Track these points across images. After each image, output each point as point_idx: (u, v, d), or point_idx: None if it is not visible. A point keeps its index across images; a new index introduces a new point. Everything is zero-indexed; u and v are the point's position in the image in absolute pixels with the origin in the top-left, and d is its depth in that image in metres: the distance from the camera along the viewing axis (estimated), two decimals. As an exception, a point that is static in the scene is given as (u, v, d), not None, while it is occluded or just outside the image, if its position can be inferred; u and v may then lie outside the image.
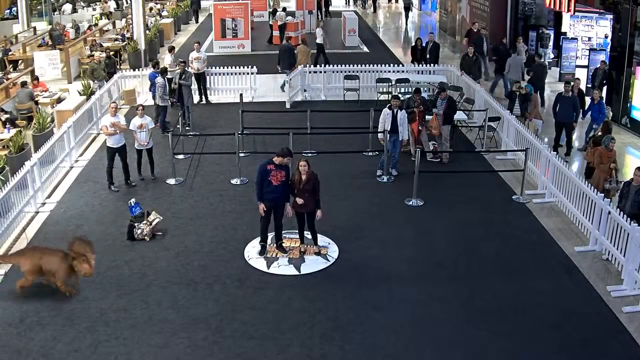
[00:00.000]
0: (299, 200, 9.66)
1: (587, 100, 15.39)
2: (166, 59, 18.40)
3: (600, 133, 12.59)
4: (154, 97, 15.81)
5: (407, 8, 33.99)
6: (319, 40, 22.55)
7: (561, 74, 20.33)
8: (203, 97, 18.44)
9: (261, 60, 22.09)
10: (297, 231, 10.16)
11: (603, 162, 11.26)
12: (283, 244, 10.11)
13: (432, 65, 19.72)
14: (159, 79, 15.61)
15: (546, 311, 8.64)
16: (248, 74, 18.82)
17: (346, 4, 42.01)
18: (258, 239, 10.21)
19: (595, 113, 14.05)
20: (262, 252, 10.03)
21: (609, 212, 9.78)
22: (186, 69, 16.49)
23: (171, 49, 18.59)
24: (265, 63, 21.22)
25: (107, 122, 12.29)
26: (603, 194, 10.35)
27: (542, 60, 20.00)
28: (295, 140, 12.85)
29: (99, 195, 12.31)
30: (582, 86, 16.32)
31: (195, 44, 18.76)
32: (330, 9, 36.75)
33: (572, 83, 14.72)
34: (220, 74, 18.85)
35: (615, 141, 11.46)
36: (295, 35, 27.33)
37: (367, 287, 9.20)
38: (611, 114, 14.88)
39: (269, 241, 10.14)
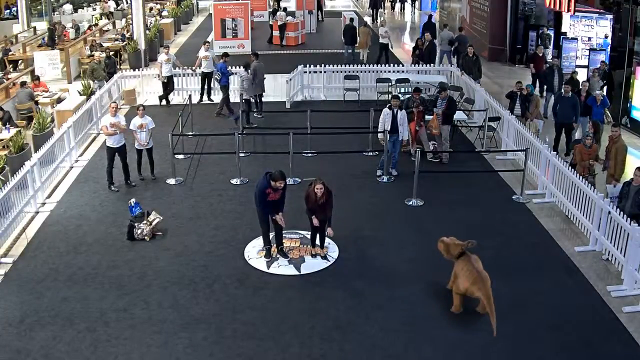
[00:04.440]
0: (315, 221, 9.65)
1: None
2: (160, 57, 18.37)
3: (592, 132, 12.74)
4: (224, 87, 16.70)
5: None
6: (383, 40, 22.23)
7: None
8: (206, 96, 18.48)
9: (261, 60, 21.97)
10: (297, 231, 10.14)
11: (583, 159, 11.48)
12: (283, 249, 10.07)
13: (429, 65, 19.72)
14: (244, 73, 16.21)
15: (546, 311, 8.63)
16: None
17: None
18: (258, 239, 10.20)
19: (598, 115, 14.03)
20: (268, 255, 9.96)
21: (609, 212, 9.79)
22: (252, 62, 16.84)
23: (166, 47, 18.62)
24: (265, 63, 21.12)
25: (107, 122, 12.29)
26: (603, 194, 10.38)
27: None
28: (295, 140, 12.84)
29: (99, 195, 12.31)
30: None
31: (203, 44, 18.72)
32: (329, 8, 36.68)
33: (580, 86, 14.68)
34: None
35: (590, 137, 11.65)
36: (295, 35, 27.39)
37: (367, 287, 9.19)
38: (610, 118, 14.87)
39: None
